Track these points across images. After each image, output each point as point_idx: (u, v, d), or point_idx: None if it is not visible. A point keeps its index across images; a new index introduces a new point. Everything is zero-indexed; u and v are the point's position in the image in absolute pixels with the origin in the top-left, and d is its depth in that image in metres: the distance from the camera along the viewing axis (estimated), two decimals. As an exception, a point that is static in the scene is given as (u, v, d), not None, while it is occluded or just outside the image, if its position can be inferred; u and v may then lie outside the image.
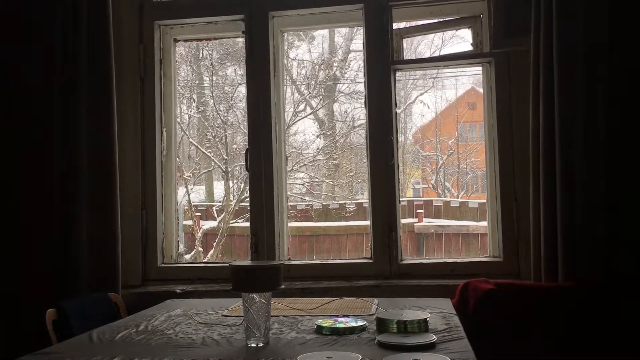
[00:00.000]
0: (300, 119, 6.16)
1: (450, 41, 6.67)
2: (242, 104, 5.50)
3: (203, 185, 6.66)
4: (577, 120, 2.23)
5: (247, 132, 2.77)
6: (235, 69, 6.01)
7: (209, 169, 6.07)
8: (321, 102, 6.45)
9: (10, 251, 2.63)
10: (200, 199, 6.54)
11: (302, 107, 6.26)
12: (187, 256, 5.04)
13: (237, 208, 5.35)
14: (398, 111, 2.72)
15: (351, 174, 6.42)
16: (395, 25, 2.69)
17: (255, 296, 1.50)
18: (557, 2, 2.24)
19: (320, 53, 6.71)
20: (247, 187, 2.93)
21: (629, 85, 2.26)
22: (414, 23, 2.90)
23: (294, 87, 6.18)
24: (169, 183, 2.84)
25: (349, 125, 6.53)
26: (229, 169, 5.59)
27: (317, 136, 6.35)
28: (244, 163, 2.73)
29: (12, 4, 2.71)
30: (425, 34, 3.06)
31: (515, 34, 2.47)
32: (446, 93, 9.08)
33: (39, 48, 2.65)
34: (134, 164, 2.74)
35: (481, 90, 2.74)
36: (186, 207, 5.40)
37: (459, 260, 2.62)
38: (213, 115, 5.77)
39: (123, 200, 2.62)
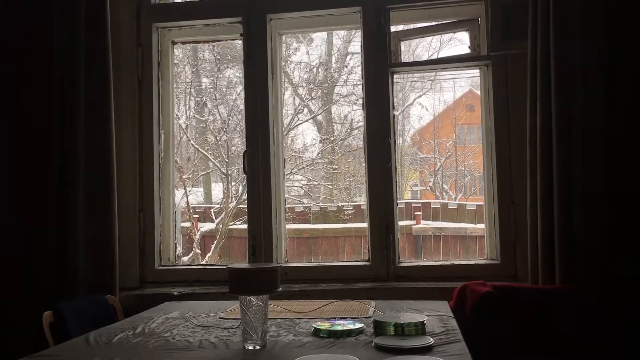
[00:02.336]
0: (300, 123, 6.16)
1: (448, 44, 6.67)
2: (241, 106, 5.50)
3: (201, 187, 6.66)
4: (575, 123, 2.24)
5: (244, 134, 2.77)
6: (234, 71, 6.01)
7: (207, 171, 6.07)
8: (320, 105, 6.44)
9: (8, 254, 2.62)
10: (198, 200, 6.53)
11: (300, 108, 6.25)
12: (185, 258, 5.02)
13: (235, 210, 5.34)
14: (396, 113, 2.72)
15: (350, 178, 6.42)
16: (393, 28, 2.69)
17: (252, 299, 1.50)
18: (555, 6, 2.25)
19: (319, 55, 6.72)
20: (245, 190, 2.92)
21: (626, 88, 2.27)
22: (411, 26, 2.90)
23: (292, 90, 6.18)
24: (167, 185, 2.84)
25: (347, 128, 6.52)
26: (228, 171, 5.58)
27: (320, 141, 6.34)
28: (242, 165, 2.73)
29: (11, 6, 2.71)
30: (423, 37, 3.07)
31: (513, 37, 2.48)
32: (444, 95, 9.08)
33: (38, 50, 2.65)
34: (132, 166, 2.74)
35: (479, 92, 2.75)
36: (184, 209, 5.40)
37: (456, 262, 2.62)
38: (212, 117, 5.77)
39: (120, 203, 2.62)
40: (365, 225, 2.71)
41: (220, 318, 1.92)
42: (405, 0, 2.65)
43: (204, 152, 5.60)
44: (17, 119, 2.68)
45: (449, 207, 6.37)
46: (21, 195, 2.64)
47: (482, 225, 2.70)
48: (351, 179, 6.34)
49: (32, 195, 2.63)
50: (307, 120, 6.29)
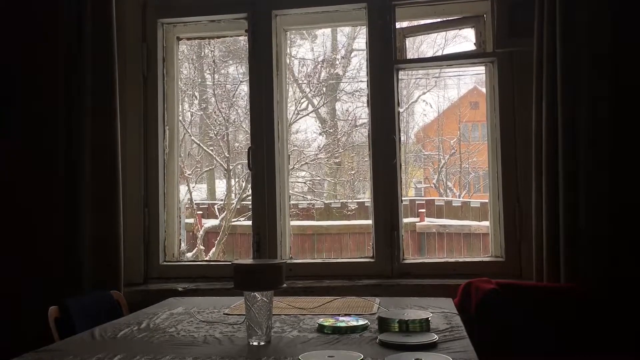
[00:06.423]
0: (302, 117, 6.16)
1: (453, 40, 6.67)
2: (244, 102, 5.51)
3: (205, 183, 6.67)
4: (581, 120, 2.23)
5: (248, 130, 2.77)
6: (237, 67, 6.01)
7: (211, 167, 6.07)
8: (323, 100, 6.44)
9: (13, 249, 2.64)
10: (202, 197, 6.54)
11: (304, 105, 6.26)
12: (189, 254, 5.04)
13: (238, 206, 5.35)
14: (400, 110, 2.72)
15: (352, 172, 6.42)
16: (398, 25, 2.69)
17: (257, 295, 1.50)
18: (561, 2, 2.24)
19: (323, 51, 6.71)
20: (249, 186, 2.93)
21: (632, 86, 2.26)
22: (416, 22, 2.89)
23: (296, 85, 6.18)
24: (172, 181, 2.85)
25: (350, 124, 6.52)
26: (231, 167, 5.59)
27: (320, 134, 6.35)
28: (246, 161, 2.74)
29: (17, 2, 2.71)
30: (428, 34, 3.06)
31: (518, 34, 2.47)
32: (449, 92, 9.07)
33: (43, 47, 2.65)
34: (137, 162, 2.75)
35: (484, 89, 2.74)
36: (188, 206, 5.41)
37: (460, 260, 2.62)
38: (215, 113, 5.77)
39: (125, 199, 2.62)
40: (368, 222, 2.71)
41: (224, 314, 1.92)
42: (411, -4, 2.64)
43: (205, 148, 5.60)
44: (24, 114, 2.69)
45: (453, 205, 6.36)
46: (27, 190, 2.65)
47: (486, 223, 2.70)
48: (353, 172, 6.34)
49: (38, 191, 2.63)
50: (309, 114, 6.29)
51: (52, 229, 2.55)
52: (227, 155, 5.52)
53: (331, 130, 6.34)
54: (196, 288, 2.58)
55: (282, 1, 2.73)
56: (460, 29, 3.01)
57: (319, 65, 6.42)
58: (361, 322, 1.66)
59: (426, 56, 6.07)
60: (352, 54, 6.77)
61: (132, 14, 2.77)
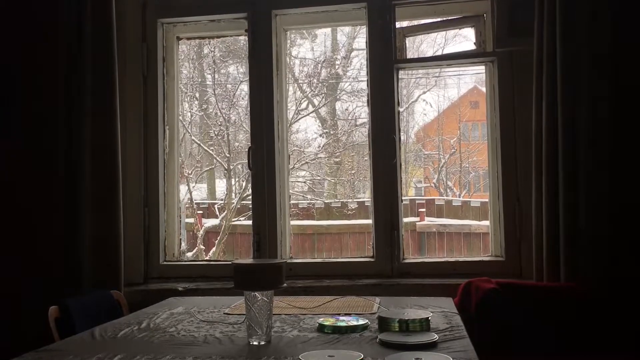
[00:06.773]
0: (302, 117, 6.16)
1: (453, 40, 6.66)
2: (244, 102, 5.51)
3: (205, 183, 6.67)
4: (581, 120, 2.23)
5: (249, 129, 2.78)
6: (237, 67, 6.01)
7: (211, 167, 6.07)
8: (323, 100, 6.44)
9: (13, 249, 2.64)
10: (202, 196, 6.54)
11: (304, 105, 6.26)
12: (189, 254, 5.04)
13: (239, 206, 5.35)
14: (400, 110, 2.72)
15: (352, 171, 6.42)
16: (398, 24, 2.69)
17: (257, 294, 1.50)
18: (561, 3, 2.24)
19: (323, 51, 6.70)
20: (249, 185, 2.93)
21: (632, 86, 2.26)
22: (416, 22, 2.90)
23: (296, 85, 6.18)
24: (172, 181, 2.85)
25: (350, 124, 6.52)
26: (231, 167, 5.59)
27: (320, 135, 6.35)
28: (246, 161, 2.74)
29: (17, 2, 2.72)
30: (428, 33, 3.06)
31: (518, 33, 2.47)
32: (449, 92, 9.04)
33: (43, 47, 2.65)
34: (137, 162, 2.75)
35: (484, 89, 2.74)
36: (188, 205, 5.41)
37: (461, 259, 2.62)
38: (215, 113, 5.77)
39: (125, 198, 2.63)
40: (369, 221, 2.71)
41: (225, 313, 1.92)
42: (411, -4, 2.64)
43: (206, 148, 5.60)
44: (24, 114, 2.69)
45: (453, 204, 6.36)
46: (27, 190, 2.65)
47: (486, 222, 2.70)
48: (353, 172, 6.34)
49: (38, 191, 2.63)
50: (309, 114, 6.29)
51: (52, 229, 2.55)
52: (227, 155, 5.52)
53: (332, 132, 6.34)
54: (196, 288, 2.58)
55: (282, 1, 2.73)
56: (460, 29, 3.01)
57: (320, 65, 6.41)
58: (361, 321, 1.66)
59: (426, 56, 6.06)
60: (352, 54, 6.77)
61: (132, 14, 2.77)
